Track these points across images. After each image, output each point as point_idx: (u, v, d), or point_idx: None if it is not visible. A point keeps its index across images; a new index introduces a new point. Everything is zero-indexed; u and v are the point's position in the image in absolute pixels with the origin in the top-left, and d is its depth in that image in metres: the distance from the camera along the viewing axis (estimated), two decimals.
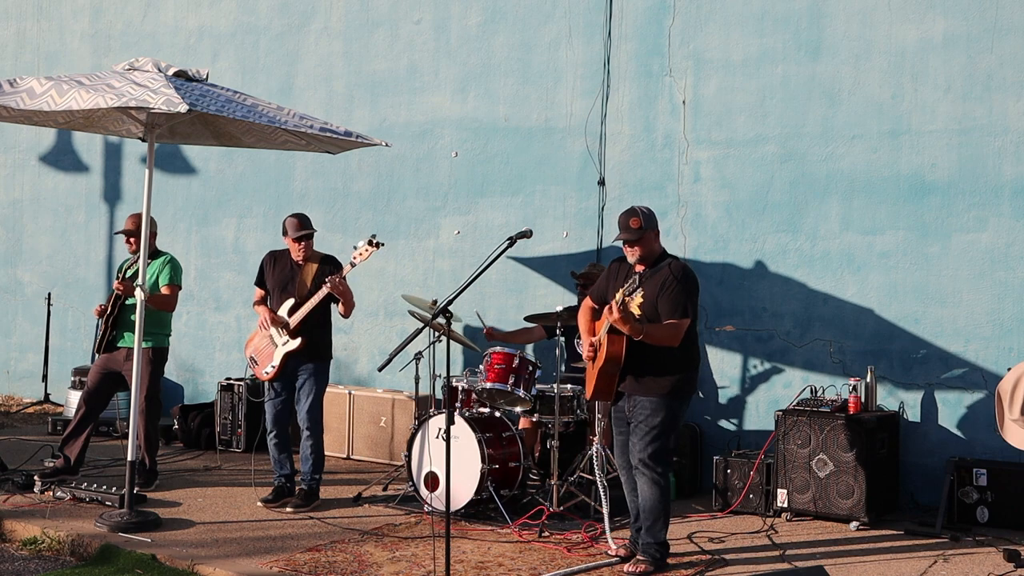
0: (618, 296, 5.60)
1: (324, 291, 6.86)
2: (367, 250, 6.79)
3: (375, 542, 6.28)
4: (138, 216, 7.25)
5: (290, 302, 7.05)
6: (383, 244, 6.87)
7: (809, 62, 7.60)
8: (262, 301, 7.29)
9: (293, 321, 6.98)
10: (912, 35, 7.28)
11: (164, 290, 7.51)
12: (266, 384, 7.19)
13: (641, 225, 5.69)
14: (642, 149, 8.19)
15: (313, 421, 7.05)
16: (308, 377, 7.06)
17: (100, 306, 7.74)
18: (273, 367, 7.06)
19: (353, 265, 6.87)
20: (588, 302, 6.01)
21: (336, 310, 7.15)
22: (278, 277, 7.19)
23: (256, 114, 6.67)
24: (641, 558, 5.72)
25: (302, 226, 7.11)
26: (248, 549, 6.11)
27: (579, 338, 6.58)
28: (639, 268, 5.76)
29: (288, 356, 7.03)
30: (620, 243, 5.78)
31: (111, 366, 7.62)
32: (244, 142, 7.73)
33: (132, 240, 7.54)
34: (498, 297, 8.67)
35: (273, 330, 7.08)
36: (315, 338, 7.06)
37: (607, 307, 5.52)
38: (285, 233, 7.16)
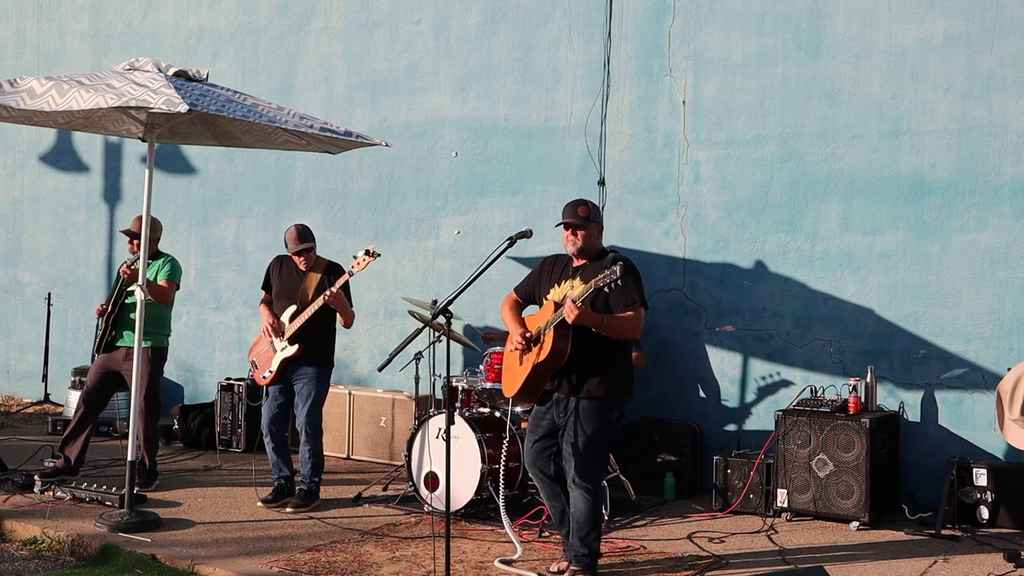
0: (571, 292, 5.43)
1: (320, 303, 6.88)
2: (364, 260, 6.82)
3: (375, 542, 6.28)
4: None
5: (292, 308, 7.07)
6: (380, 255, 6.90)
7: (809, 62, 7.60)
8: (267, 304, 7.29)
9: (291, 329, 6.99)
10: (912, 35, 7.28)
11: (162, 283, 7.51)
12: (264, 388, 7.19)
13: (588, 215, 5.60)
14: (642, 149, 8.19)
15: (312, 426, 7.05)
16: (308, 382, 7.06)
17: (100, 306, 7.76)
18: (271, 372, 7.07)
19: (351, 275, 6.89)
20: (512, 296, 5.84)
21: (339, 320, 7.18)
22: (283, 283, 7.21)
23: (256, 114, 6.67)
24: (575, 568, 5.56)
25: (301, 239, 7.10)
26: (248, 549, 6.11)
27: None
28: (578, 262, 5.62)
29: (286, 361, 7.03)
30: (563, 227, 5.59)
31: (110, 366, 7.62)
32: (244, 142, 7.73)
33: (134, 242, 7.55)
34: (498, 297, 8.65)
35: (274, 335, 7.10)
36: (316, 344, 7.06)
37: (565, 305, 5.28)
38: (286, 246, 7.17)
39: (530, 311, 5.85)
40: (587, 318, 5.32)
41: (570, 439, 5.49)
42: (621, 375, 5.60)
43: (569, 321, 5.28)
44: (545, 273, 5.76)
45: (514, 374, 5.68)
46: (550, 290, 5.65)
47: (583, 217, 5.58)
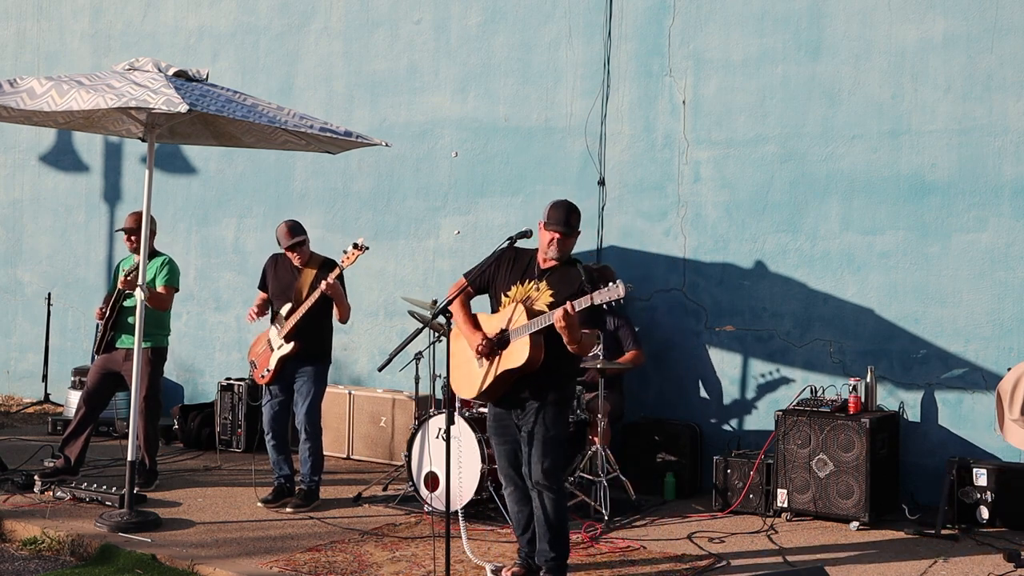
0: (536, 295, 5.32)
1: (316, 296, 6.88)
2: (354, 254, 6.83)
3: (375, 542, 6.28)
4: (139, 214, 7.26)
5: (288, 306, 7.07)
6: (368, 248, 6.89)
7: (809, 62, 7.60)
8: (263, 305, 7.29)
9: (288, 326, 7.00)
10: (912, 35, 7.28)
11: (160, 289, 7.51)
12: (264, 387, 7.19)
13: (578, 224, 5.49)
14: (642, 149, 8.19)
15: (311, 424, 7.05)
16: (306, 380, 7.07)
17: (99, 309, 7.73)
18: (269, 370, 7.07)
19: (342, 269, 6.89)
20: (467, 287, 5.58)
21: (336, 315, 7.17)
22: (279, 282, 7.21)
23: (256, 114, 6.67)
24: (547, 574, 5.45)
25: (292, 235, 7.10)
26: (248, 549, 6.12)
27: None
28: (546, 264, 5.46)
29: (284, 360, 7.03)
30: (553, 230, 5.39)
31: (110, 366, 7.62)
32: (244, 142, 7.73)
33: (132, 238, 7.55)
34: None
35: (272, 333, 7.10)
36: (313, 341, 7.06)
37: (557, 312, 5.08)
38: (279, 243, 7.17)
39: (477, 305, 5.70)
40: (572, 331, 5.14)
41: (533, 440, 5.38)
42: (573, 379, 5.71)
43: (559, 325, 5.08)
44: (504, 267, 5.56)
45: (470, 374, 5.48)
46: (510, 287, 5.48)
47: (574, 227, 5.46)
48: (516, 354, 5.31)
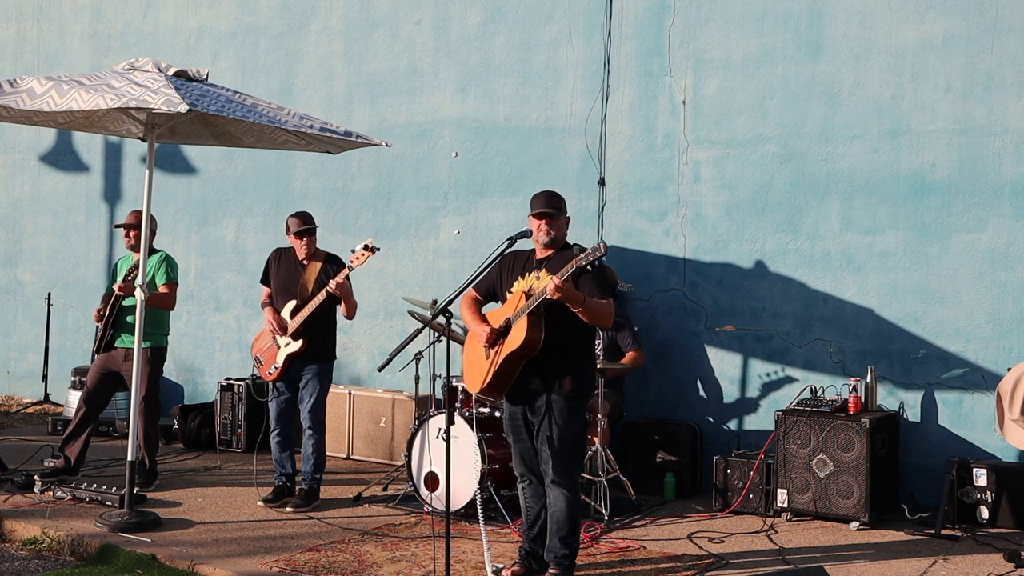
0: (536, 284, 5.37)
1: (322, 296, 6.89)
2: (363, 255, 6.82)
3: (375, 542, 6.28)
4: (139, 212, 7.26)
5: (292, 304, 7.07)
6: (379, 249, 6.91)
7: (809, 62, 7.60)
8: (270, 300, 7.29)
9: (294, 324, 7.00)
10: (912, 35, 7.28)
11: (162, 289, 7.51)
12: (270, 384, 7.21)
13: (560, 206, 5.54)
14: (642, 149, 8.19)
15: (315, 421, 7.06)
16: (311, 377, 7.08)
17: (97, 311, 7.72)
18: (276, 368, 7.08)
19: (350, 270, 6.90)
20: (472, 293, 5.68)
21: (341, 311, 7.17)
22: (282, 276, 7.21)
23: (256, 114, 6.66)
24: (555, 570, 5.49)
25: (303, 222, 7.15)
26: (248, 549, 6.12)
27: None
28: (542, 254, 5.53)
29: (291, 357, 7.04)
30: (535, 217, 5.49)
31: (110, 366, 7.63)
32: (244, 142, 7.72)
33: (131, 234, 7.55)
34: None
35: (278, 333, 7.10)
36: (318, 339, 7.07)
37: (548, 284, 5.15)
38: (288, 231, 7.19)
39: (489, 308, 5.76)
40: (570, 295, 5.19)
41: (547, 439, 5.42)
42: (589, 371, 5.62)
43: (553, 298, 5.15)
44: (505, 269, 5.65)
45: (480, 368, 5.54)
46: (513, 284, 5.55)
47: (557, 208, 5.52)
48: (515, 337, 5.37)
